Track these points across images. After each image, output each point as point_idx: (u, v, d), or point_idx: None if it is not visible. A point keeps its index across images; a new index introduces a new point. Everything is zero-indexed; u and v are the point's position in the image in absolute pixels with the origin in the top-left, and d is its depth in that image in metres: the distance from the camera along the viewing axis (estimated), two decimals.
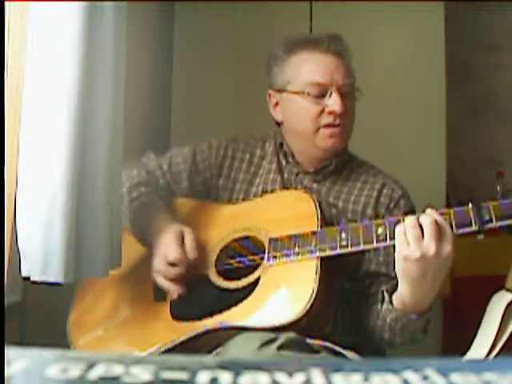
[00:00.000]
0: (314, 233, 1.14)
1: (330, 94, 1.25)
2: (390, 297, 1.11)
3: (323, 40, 1.28)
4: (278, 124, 1.36)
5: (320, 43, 1.28)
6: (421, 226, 1.00)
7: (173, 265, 1.19)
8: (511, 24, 2.86)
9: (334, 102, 1.24)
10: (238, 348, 0.98)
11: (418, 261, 0.99)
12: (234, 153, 1.37)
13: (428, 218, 1.01)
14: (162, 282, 1.20)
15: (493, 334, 1.08)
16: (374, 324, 1.17)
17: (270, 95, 1.35)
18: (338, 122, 1.25)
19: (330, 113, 1.24)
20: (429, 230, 0.99)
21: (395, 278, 1.12)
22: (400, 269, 1.03)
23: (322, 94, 1.25)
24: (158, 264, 1.20)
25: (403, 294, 1.07)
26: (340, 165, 1.32)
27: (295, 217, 1.21)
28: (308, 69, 1.27)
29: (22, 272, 1.07)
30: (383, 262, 1.22)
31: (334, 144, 1.27)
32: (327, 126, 1.26)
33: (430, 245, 0.99)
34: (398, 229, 1.02)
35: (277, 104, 1.34)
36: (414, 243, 0.99)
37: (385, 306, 1.13)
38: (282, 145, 1.35)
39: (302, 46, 1.29)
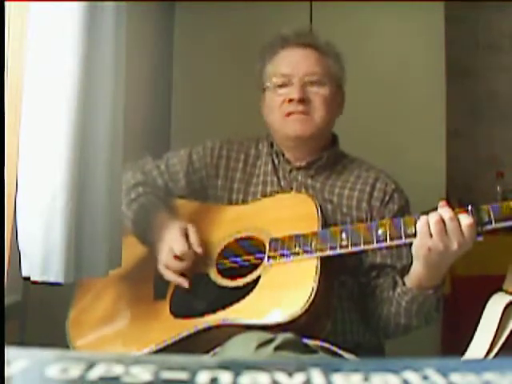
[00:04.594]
0: (314, 233, 1.15)
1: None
2: (402, 280, 1.16)
3: (293, 35, 1.35)
4: None
5: (290, 39, 1.35)
6: (443, 220, 1.04)
7: (179, 259, 1.20)
8: (511, 24, 2.86)
9: (292, 90, 1.29)
10: (235, 348, 0.98)
11: (440, 253, 1.04)
12: (229, 153, 1.39)
13: (448, 212, 1.04)
14: (169, 275, 1.21)
15: (490, 336, 1.07)
16: (388, 312, 1.19)
17: (262, 97, 1.40)
18: (300, 109, 1.29)
19: (290, 100, 1.29)
20: (451, 225, 1.03)
21: (400, 267, 1.20)
22: (421, 257, 1.07)
23: (285, 85, 1.31)
24: (166, 258, 1.21)
25: (420, 274, 1.11)
26: (332, 160, 1.35)
27: (296, 218, 1.22)
28: (277, 63, 1.34)
29: (22, 272, 1.07)
30: (388, 254, 1.24)
31: (299, 130, 1.30)
32: (291, 113, 1.29)
33: (453, 239, 1.03)
34: (422, 221, 1.06)
35: (264, 104, 1.39)
36: (437, 237, 1.04)
37: (398, 289, 1.16)
38: (272, 144, 1.38)
39: (278, 45, 1.35)
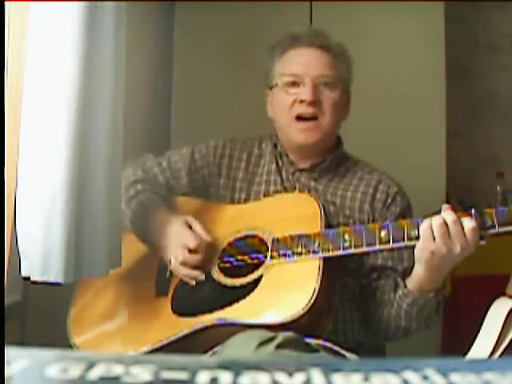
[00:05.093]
0: (317, 234, 1.15)
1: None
2: (404, 282, 1.16)
3: (305, 35, 1.33)
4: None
5: (303, 38, 1.32)
6: (446, 223, 1.04)
7: (193, 252, 1.20)
8: (511, 24, 2.86)
9: (304, 90, 1.27)
10: (236, 347, 0.98)
11: (443, 256, 1.05)
12: (232, 152, 1.38)
13: (451, 215, 1.05)
14: (186, 271, 1.20)
15: (492, 341, 1.07)
16: (389, 314, 1.19)
17: (267, 95, 1.38)
18: (310, 111, 1.27)
19: (301, 101, 1.27)
20: (454, 228, 1.04)
21: (401, 270, 1.20)
22: (423, 260, 1.08)
23: (296, 84, 1.29)
24: (181, 254, 1.20)
25: (421, 276, 1.11)
26: (335, 162, 1.34)
27: (299, 218, 1.22)
28: (288, 62, 1.32)
29: (22, 272, 1.07)
30: (389, 257, 1.24)
31: (306, 138, 1.29)
32: (300, 117, 1.28)
33: (456, 243, 1.04)
34: (425, 224, 1.06)
35: (271, 102, 1.37)
36: (440, 240, 1.04)
37: (400, 292, 1.16)
38: (276, 145, 1.37)
39: (289, 44, 1.33)
